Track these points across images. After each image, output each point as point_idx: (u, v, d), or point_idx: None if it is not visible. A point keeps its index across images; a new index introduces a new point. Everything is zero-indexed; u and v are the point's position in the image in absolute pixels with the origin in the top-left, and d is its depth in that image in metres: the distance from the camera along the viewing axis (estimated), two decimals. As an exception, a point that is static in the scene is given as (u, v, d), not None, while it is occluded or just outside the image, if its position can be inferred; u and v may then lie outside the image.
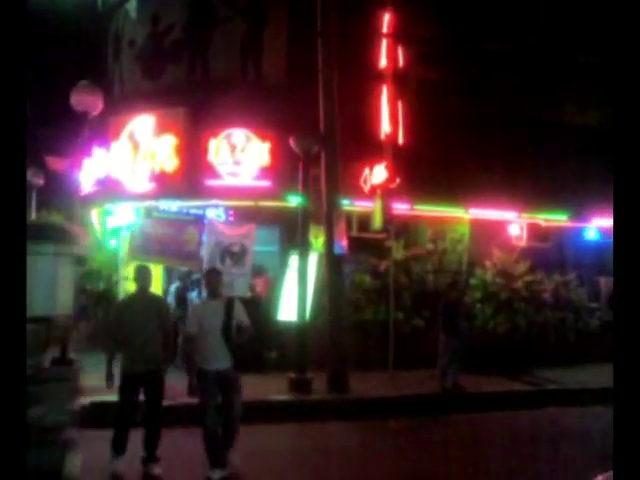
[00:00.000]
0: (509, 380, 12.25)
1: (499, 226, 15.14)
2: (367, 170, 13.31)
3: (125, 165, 14.08)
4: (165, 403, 7.13)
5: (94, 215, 16.15)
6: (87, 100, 10.78)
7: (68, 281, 5.87)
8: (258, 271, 12.72)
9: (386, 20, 13.88)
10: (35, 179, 15.29)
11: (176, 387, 8.16)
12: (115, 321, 7.15)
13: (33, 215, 15.12)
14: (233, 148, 13.34)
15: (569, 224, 15.70)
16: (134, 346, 6.83)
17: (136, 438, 6.81)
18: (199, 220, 11.85)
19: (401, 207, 13.32)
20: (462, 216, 14.82)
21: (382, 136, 13.58)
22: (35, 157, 14.17)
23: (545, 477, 7.35)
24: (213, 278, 7.17)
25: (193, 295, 12.12)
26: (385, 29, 13.92)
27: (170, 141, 13.59)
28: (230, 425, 6.80)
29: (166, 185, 13.50)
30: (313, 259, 12.25)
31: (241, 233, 11.47)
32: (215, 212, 13.43)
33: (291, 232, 12.16)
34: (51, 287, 5.50)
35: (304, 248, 11.30)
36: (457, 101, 14.79)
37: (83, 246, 6.97)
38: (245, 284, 11.38)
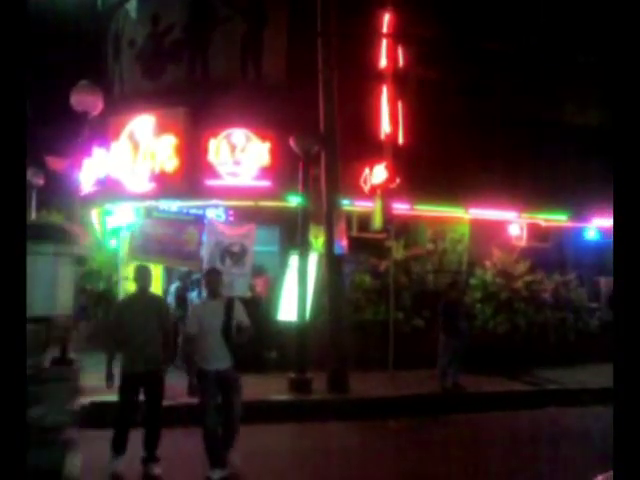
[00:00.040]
0: (509, 380, 12.25)
1: (499, 226, 15.14)
2: (367, 170, 13.31)
3: (125, 165, 14.08)
4: (165, 403, 7.12)
5: (94, 215, 16.15)
6: (87, 100, 10.79)
7: (68, 281, 5.87)
8: (258, 271, 12.72)
9: (386, 20, 13.88)
10: (35, 179, 15.27)
11: (176, 387, 8.16)
12: (115, 321, 7.15)
13: (33, 215, 15.09)
14: (233, 148, 13.34)
15: (569, 224, 15.70)
16: (134, 346, 6.83)
17: (136, 438, 6.81)
18: (199, 220, 11.84)
19: (401, 207, 13.32)
20: (462, 216, 14.83)
21: (382, 136, 13.58)
22: (35, 157, 14.16)
23: (545, 477, 7.34)
24: (213, 278, 7.17)
25: (193, 295, 12.12)
26: (385, 29, 13.92)
27: (170, 141, 13.59)
28: (230, 425, 6.80)
29: (166, 185, 13.50)
30: (313, 259, 12.24)
31: (241, 233, 11.47)
32: (215, 212, 13.42)
33: (291, 232, 12.16)
34: (51, 287, 5.51)
35: (304, 248, 11.30)
36: (457, 101, 14.80)
37: (83, 246, 6.97)
38: (245, 284, 11.38)
